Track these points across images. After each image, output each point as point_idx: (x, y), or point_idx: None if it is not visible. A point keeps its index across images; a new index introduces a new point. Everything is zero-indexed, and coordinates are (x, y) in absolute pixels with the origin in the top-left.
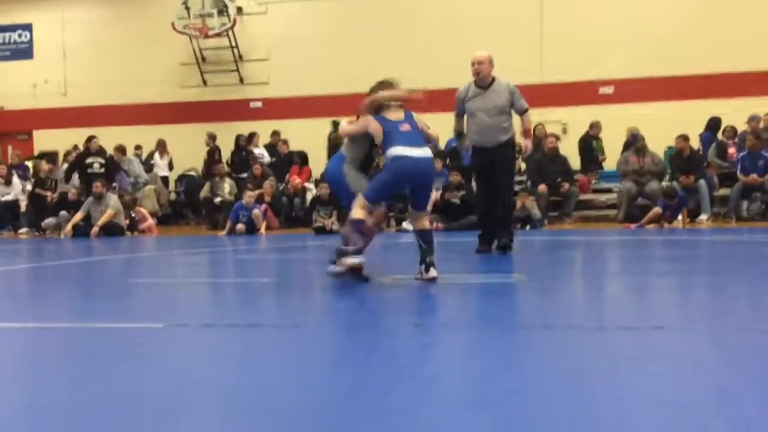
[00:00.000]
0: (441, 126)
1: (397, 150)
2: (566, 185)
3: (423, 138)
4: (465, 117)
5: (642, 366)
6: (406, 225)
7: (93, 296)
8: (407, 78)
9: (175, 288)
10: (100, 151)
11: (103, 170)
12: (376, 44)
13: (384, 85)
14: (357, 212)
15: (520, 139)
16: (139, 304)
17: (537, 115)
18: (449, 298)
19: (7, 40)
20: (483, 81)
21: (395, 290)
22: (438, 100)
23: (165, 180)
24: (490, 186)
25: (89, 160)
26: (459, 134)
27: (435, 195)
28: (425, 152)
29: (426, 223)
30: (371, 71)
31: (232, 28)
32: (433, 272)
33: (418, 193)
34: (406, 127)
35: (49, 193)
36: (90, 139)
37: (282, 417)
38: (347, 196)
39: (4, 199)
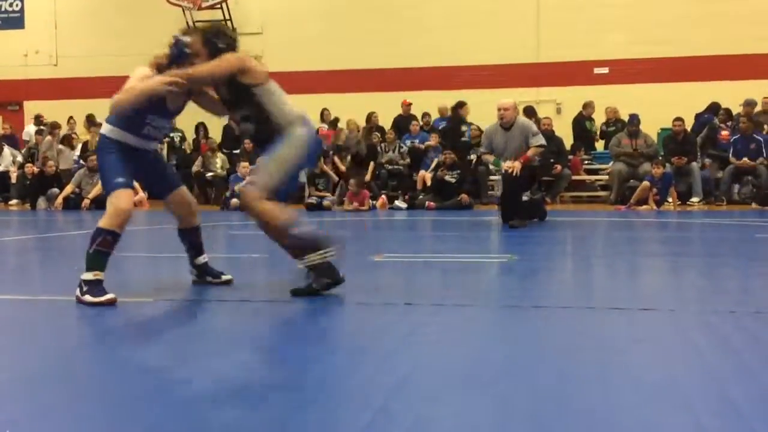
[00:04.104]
0: (436, 103)
1: None
2: (558, 167)
3: None
4: None
5: (630, 346)
6: (398, 203)
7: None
8: (403, 55)
9: (166, 263)
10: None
11: None
12: (372, 20)
13: None
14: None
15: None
16: (130, 278)
17: (532, 95)
18: (441, 277)
19: None
20: (506, 124)
21: (386, 268)
22: (434, 77)
23: None
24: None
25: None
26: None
27: (424, 174)
28: None
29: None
30: (366, 47)
31: (225, 0)
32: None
33: None
34: None
35: (33, 168)
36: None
37: (268, 395)
38: None
39: None
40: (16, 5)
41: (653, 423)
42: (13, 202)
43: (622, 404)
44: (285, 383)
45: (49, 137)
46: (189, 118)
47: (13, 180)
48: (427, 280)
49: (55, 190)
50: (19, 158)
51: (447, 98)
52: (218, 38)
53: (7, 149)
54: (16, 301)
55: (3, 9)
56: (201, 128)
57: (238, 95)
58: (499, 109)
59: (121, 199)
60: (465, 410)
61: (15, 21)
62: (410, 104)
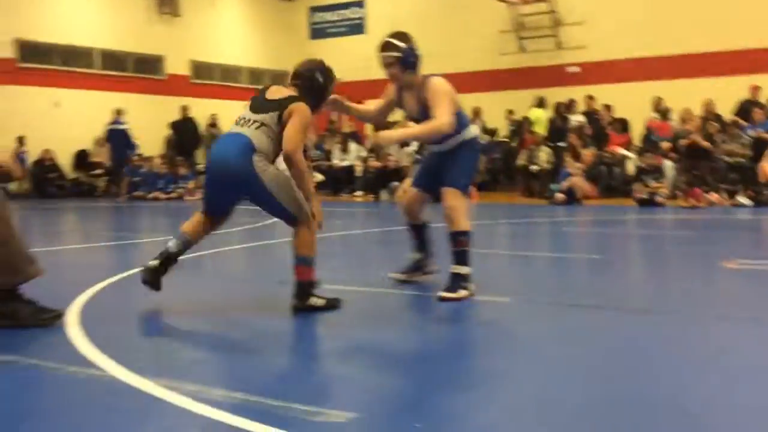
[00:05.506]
0: None
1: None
2: None
3: None
4: None
5: None
6: (740, 198)
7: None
8: (745, 35)
9: (512, 260)
10: None
11: None
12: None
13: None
14: (465, 219)
15: None
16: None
17: None
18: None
19: (342, 17)
20: None
21: (743, 278)
22: None
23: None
24: None
25: None
26: None
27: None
28: None
29: None
30: (698, 29)
31: None
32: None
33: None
34: None
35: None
36: None
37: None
38: (258, 196)
39: (342, 164)
40: (359, 12)
41: None
42: (359, 193)
43: None
44: (633, 398)
45: None
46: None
47: (358, 173)
48: (758, 292)
49: (396, 183)
50: (363, 153)
51: None
52: None
53: (353, 145)
54: (349, 291)
55: (347, 17)
56: (525, 122)
57: None
58: None
59: (465, 200)
60: None
61: (357, 27)
62: (758, 88)
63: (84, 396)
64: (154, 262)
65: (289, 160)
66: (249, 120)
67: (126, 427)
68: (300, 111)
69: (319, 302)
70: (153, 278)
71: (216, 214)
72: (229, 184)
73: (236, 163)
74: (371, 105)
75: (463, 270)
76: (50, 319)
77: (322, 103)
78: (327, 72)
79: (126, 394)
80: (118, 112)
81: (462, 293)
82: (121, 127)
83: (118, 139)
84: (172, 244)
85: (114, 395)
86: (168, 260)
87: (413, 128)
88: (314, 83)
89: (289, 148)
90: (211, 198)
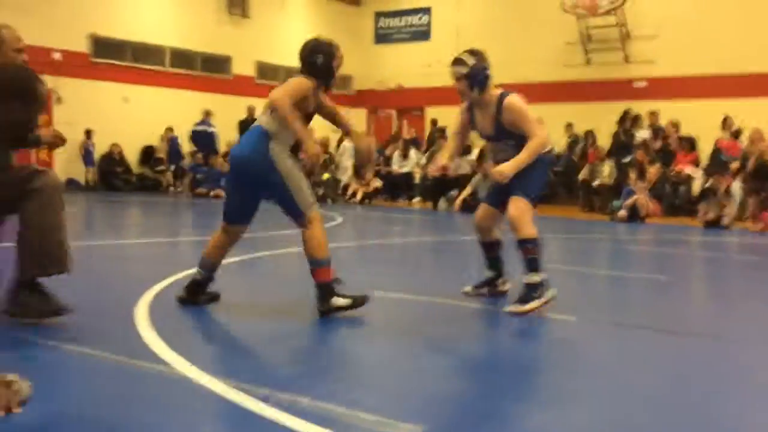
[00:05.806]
0: None
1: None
2: None
3: None
4: None
5: None
6: None
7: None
8: None
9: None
10: None
11: None
12: None
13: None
14: (530, 227)
15: None
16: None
17: None
18: None
19: (407, 23)
20: None
21: None
22: None
23: None
24: None
25: None
26: None
27: None
28: None
29: None
30: None
31: (622, 5)
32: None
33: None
34: None
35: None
36: None
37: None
38: (274, 187)
39: (401, 170)
40: (424, 19)
41: None
42: (416, 200)
43: None
44: (703, 426)
45: (441, 141)
46: (564, 122)
47: (417, 180)
48: None
49: (455, 192)
50: (423, 160)
51: None
52: None
53: (412, 152)
54: (408, 300)
55: (412, 23)
56: (590, 136)
57: None
58: None
59: (532, 210)
60: None
61: (422, 34)
62: None
63: (155, 392)
64: (182, 294)
65: (273, 108)
66: (263, 110)
67: (196, 427)
68: (290, 80)
69: (343, 302)
70: (186, 302)
71: (236, 220)
72: (246, 175)
73: (252, 151)
74: (451, 141)
75: (534, 278)
76: (49, 313)
77: (333, 78)
78: (324, 49)
79: (196, 394)
80: (207, 114)
81: (532, 305)
82: (209, 129)
83: (204, 141)
84: (196, 271)
85: (184, 394)
86: (197, 288)
87: (521, 156)
88: (316, 66)
89: (272, 96)
90: (233, 198)
